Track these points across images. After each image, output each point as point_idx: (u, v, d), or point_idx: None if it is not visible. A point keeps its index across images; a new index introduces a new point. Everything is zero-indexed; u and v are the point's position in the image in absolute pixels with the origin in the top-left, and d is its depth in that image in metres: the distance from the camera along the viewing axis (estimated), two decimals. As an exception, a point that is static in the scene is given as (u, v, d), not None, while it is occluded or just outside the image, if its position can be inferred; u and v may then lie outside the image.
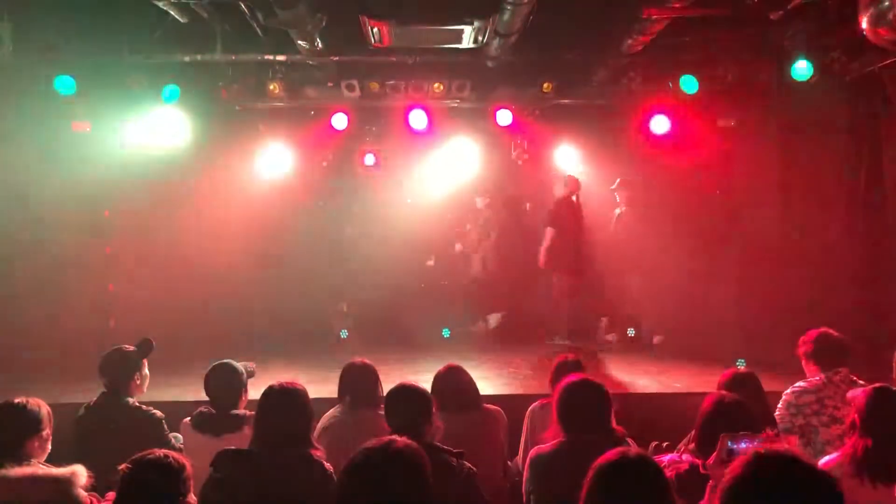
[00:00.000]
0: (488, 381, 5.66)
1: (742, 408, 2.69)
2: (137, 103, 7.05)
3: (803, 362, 3.95)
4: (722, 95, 7.26)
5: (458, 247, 8.68)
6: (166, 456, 2.36)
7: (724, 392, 2.92)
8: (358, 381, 3.90)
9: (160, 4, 5.54)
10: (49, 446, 2.92)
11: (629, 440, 2.96)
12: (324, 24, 5.83)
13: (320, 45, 6.34)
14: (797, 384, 3.83)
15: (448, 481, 2.71)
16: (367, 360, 4.06)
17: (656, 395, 5.58)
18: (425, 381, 3.34)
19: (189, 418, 3.58)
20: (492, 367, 6.40)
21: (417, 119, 7.47)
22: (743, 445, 2.09)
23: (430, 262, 8.01)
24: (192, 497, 2.46)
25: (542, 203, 8.74)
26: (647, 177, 8.28)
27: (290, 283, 8.14)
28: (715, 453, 2.16)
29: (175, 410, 3.92)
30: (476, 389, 4.01)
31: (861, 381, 3.68)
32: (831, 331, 3.92)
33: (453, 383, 3.89)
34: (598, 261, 8.17)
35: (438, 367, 4.03)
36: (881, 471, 2.68)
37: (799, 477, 1.46)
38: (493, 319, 8.06)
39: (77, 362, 5.81)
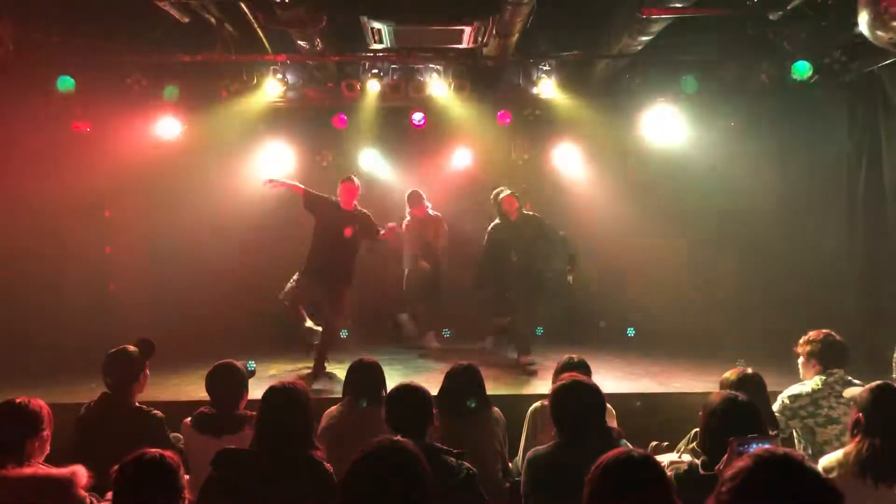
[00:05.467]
0: (487, 381, 5.65)
1: (753, 409, 2.68)
2: (137, 103, 7.05)
3: (803, 361, 3.95)
4: (722, 95, 7.27)
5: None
6: (161, 455, 2.36)
7: (733, 392, 2.90)
8: (363, 380, 3.90)
9: (160, 4, 5.54)
10: (49, 446, 2.92)
11: (625, 440, 2.96)
12: (324, 24, 5.84)
13: (320, 45, 6.35)
14: (791, 387, 3.84)
15: (448, 482, 2.71)
16: (374, 359, 4.05)
17: (656, 395, 5.58)
18: (425, 381, 3.34)
19: (189, 418, 3.58)
20: (490, 367, 6.40)
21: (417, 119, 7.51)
22: (753, 449, 2.08)
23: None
24: (189, 495, 2.46)
25: (539, 203, 8.75)
26: (648, 177, 8.28)
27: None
28: (725, 457, 2.15)
29: (175, 410, 3.92)
30: (485, 390, 4.01)
31: (857, 382, 3.68)
32: (833, 333, 3.93)
33: (467, 382, 3.89)
34: (596, 261, 8.18)
35: (438, 366, 4.03)
36: (886, 471, 2.67)
37: (800, 480, 1.46)
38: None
39: (77, 362, 5.81)
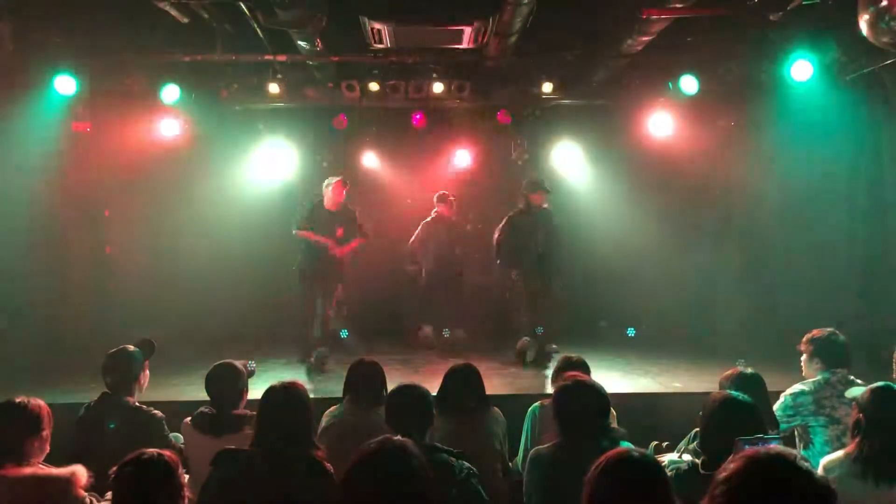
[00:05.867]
0: (488, 381, 5.66)
1: (752, 409, 2.68)
2: (137, 103, 7.05)
3: (806, 359, 3.93)
4: (722, 95, 7.26)
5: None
6: (160, 454, 2.36)
7: (732, 391, 2.90)
8: (364, 380, 3.91)
9: (160, 5, 5.54)
10: (48, 446, 2.92)
11: (628, 441, 2.96)
12: (324, 24, 5.84)
13: (320, 45, 6.34)
14: (794, 386, 3.83)
15: (448, 482, 2.71)
16: (375, 360, 4.06)
17: (656, 395, 5.58)
18: (425, 381, 3.34)
19: (189, 418, 3.58)
20: (490, 367, 6.40)
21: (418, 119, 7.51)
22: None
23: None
24: (189, 493, 2.46)
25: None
26: (648, 177, 8.28)
27: (291, 283, 8.13)
28: (731, 458, 2.15)
29: (175, 410, 3.92)
30: (484, 390, 4.02)
31: (859, 382, 3.67)
32: (837, 331, 3.91)
33: (465, 381, 3.90)
34: (596, 261, 8.19)
35: (438, 366, 4.03)
36: (886, 471, 2.67)
37: (793, 480, 1.46)
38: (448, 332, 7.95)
39: (77, 362, 5.82)
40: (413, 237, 7.86)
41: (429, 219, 7.82)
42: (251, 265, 8.12)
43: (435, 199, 7.84)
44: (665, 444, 3.71)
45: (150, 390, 4.03)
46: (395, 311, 8.32)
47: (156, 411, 3.71)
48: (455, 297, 7.83)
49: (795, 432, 3.78)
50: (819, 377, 3.79)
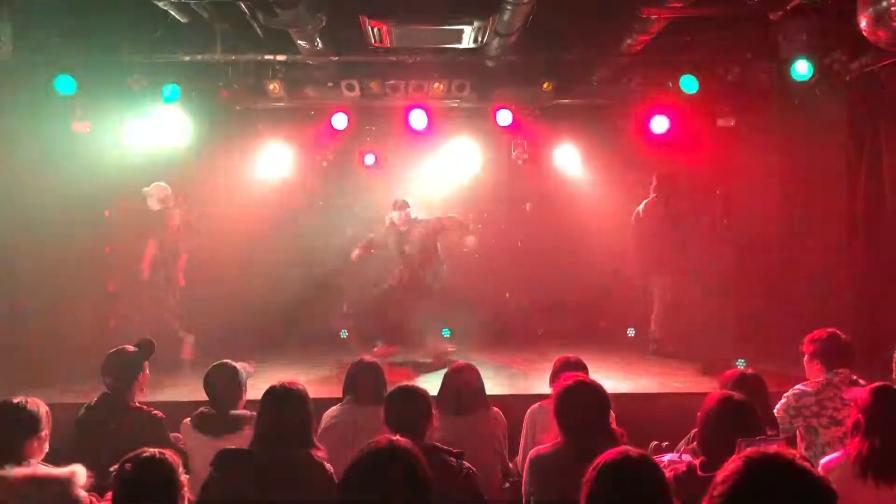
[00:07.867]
0: (488, 381, 5.66)
1: (750, 409, 2.69)
2: (137, 103, 7.05)
3: (807, 360, 3.92)
4: (722, 95, 7.26)
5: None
6: (160, 454, 2.36)
7: (731, 392, 2.91)
8: (364, 380, 3.91)
9: (160, 4, 5.54)
10: (47, 446, 2.92)
11: (627, 442, 2.96)
12: (324, 23, 5.84)
13: (320, 45, 6.34)
14: (797, 386, 3.82)
15: (448, 481, 2.71)
16: (376, 360, 4.06)
17: (656, 395, 5.58)
18: (424, 381, 3.35)
19: (189, 418, 3.58)
20: (491, 367, 6.40)
21: (417, 119, 7.45)
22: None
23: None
24: (189, 494, 2.46)
25: (541, 203, 8.77)
26: (647, 177, 8.28)
27: (290, 284, 8.14)
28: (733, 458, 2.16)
29: (175, 410, 3.92)
30: (484, 390, 4.02)
31: (862, 382, 3.66)
32: (839, 332, 3.91)
33: (465, 382, 3.90)
34: (595, 261, 8.17)
35: (438, 367, 4.03)
36: (886, 471, 2.67)
37: (791, 480, 1.46)
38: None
39: (77, 362, 5.82)
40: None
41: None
42: (251, 265, 8.11)
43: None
44: (665, 444, 3.71)
45: (151, 390, 4.03)
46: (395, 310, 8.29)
47: (156, 411, 3.72)
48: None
49: (798, 433, 3.78)
50: (821, 378, 3.78)
